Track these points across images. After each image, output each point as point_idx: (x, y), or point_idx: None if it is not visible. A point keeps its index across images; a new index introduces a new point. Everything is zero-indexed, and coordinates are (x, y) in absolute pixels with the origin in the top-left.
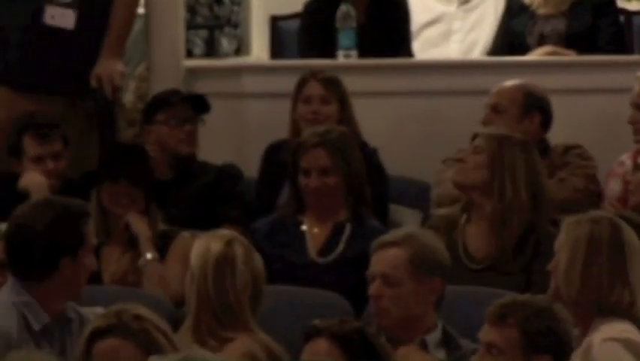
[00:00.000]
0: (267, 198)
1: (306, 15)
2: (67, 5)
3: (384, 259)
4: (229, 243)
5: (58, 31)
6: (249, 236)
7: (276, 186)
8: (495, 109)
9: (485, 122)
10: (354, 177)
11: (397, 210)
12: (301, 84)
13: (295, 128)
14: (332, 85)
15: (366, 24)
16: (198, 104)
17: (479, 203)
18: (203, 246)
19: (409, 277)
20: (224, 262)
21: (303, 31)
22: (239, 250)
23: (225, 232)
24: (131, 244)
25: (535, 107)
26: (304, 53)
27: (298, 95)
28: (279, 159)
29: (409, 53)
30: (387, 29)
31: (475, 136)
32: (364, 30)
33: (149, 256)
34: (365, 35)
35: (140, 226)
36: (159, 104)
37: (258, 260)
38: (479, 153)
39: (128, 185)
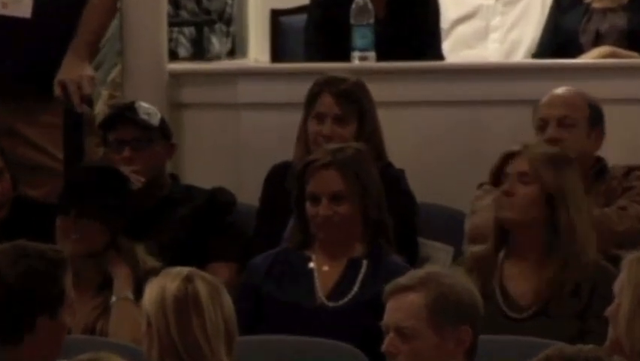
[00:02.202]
0: (269, 231)
1: (315, 9)
2: None
3: (397, 308)
4: (188, 279)
5: (13, 21)
6: (247, 275)
7: (280, 216)
8: (562, 123)
9: (552, 141)
10: (373, 205)
11: (424, 245)
12: (312, 97)
13: (304, 148)
14: (350, 100)
15: (386, 20)
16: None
17: (527, 239)
18: (157, 287)
19: (428, 329)
20: (185, 302)
21: (311, 28)
22: (202, 287)
23: (182, 269)
24: (104, 287)
25: (599, 120)
26: (312, 55)
27: (309, 110)
28: (284, 184)
29: (438, 54)
30: (412, 26)
31: (509, 156)
32: (384, 27)
33: (121, 295)
34: (385, 34)
35: (116, 265)
36: (105, 122)
37: (227, 300)
38: (530, 184)
39: (78, 217)
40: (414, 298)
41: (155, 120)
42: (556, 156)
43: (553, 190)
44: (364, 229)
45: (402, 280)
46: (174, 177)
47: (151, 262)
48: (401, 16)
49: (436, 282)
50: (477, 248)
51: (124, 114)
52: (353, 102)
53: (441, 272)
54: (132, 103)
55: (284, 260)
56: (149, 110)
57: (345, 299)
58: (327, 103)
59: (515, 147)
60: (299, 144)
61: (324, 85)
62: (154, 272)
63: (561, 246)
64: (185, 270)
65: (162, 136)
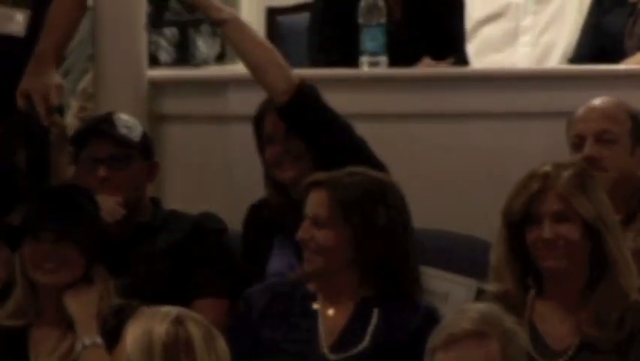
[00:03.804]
0: (256, 275)
1: (321, 6)
2: None
3: (466, 358)
4: (178, 321)
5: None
6: (242, 308)
7: (265, 258)
8: (601, 139)
9: (590, 160)
10: (374, 244)
11: (442, 279)
12: (258, 119)
13: (273, 182)
14: None
15: (403, 21)
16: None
17: (568, 278)
18: (142, 330)
19: None
20: (176, 348)
21: (315, 28)
22: (194, 330)
23: (170, 309)
24: (70, 326)
25: None
26: (316, 60)
27: (260, 137)
28: (265, 223)
29: (461, 59)
30: (433, 27)
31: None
32: (401, 29)
33: (86, 341)
34: (402, 36)
35: (74, 305)
36: (77, 138)
37: (223, 345)
38: (568, 222)
39: (55, 242)
40: (487, 348)
41: (135, 135)
42: (582, 178)
43: (592, 219)
44: (365, 269)
45: (465, 324)
46: (156, 202)
47: (115, 298)
48: (421, 15)
49: (503, 327)
50: (497, 286)
51: (99, 128)
52: None
53: (497, 313)
54: (110, 115)
55: (285, 296)
56: (128, 122)
57: (354, 351)
58: (272, 123)
59: (534, 180)
60: (267, 181)
61: (266, 105)
62: (120, 310)
63: (608, 279)
64: (173, 310)
65: (143, 154)
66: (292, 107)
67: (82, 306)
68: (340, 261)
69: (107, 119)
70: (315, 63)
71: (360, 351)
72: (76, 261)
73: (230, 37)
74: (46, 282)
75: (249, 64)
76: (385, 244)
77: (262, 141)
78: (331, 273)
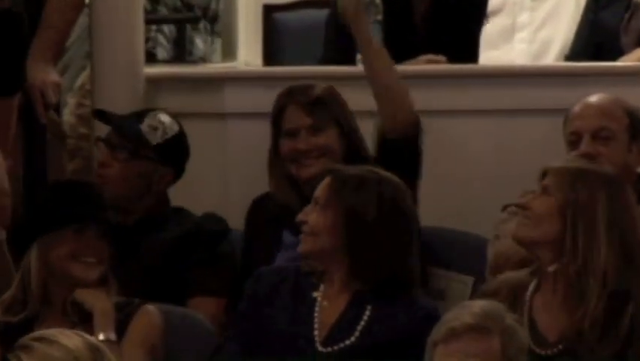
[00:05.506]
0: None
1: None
2: None
3: (469, 353)
4: (80, 335)
5: None
6: (252, 286)
7: (268, 253)
8: (598, 136)
9: (587, 158)
10: (365, 232)
11: (440, 275)
12: (278, 112)
13: (281, 174)
14: (321, 108)
15: (426, 17)
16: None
17: (550, 265)
18: (59, 353)
19: None
20: (100, 354)
21: (331, 25)
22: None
23: (59, 330)
24: (81, 321)
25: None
26: (329, 56)
27: (278, 128)
28: (267, 217)
29: (472, 56)
30: (454, 29)
31: (544, 173)
32: (421, 26)
33: (101, 337)
34: (421, 33)
35: (91, 299)
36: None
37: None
38: (547, 197)
39: (98, 237)
40: (488, 345)
41: (153, 137)
42: (579, 169)
43: (567, 205)
44: (354, 259)
45: (467, 319)
46: (163, 200)
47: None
48: (445, 15)
49: (504, 323)
50: (506, 276)
51: (123, 123)
52: (325, 109)
53: (499, 310)
54: (148, 111)
55: (293, 280)
56: (155, 123)
57: (341, 346)
58: (295, 115)
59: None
60: (272, 173)
61: (287, 96)
62: (121, 307)
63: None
64: (62, 331)
65: (158, 157)
66: (403, 140)
67: (100, 301)
68: (329, 245)
69: (142, 114)
70: (328, 59)
71: (347, 346)
72: (108, 256)
73: (368, 57)
74: (84, 277)
75: (382, 84)
76: (374, 237)
77: (279, 133)
78: (321, 257)
